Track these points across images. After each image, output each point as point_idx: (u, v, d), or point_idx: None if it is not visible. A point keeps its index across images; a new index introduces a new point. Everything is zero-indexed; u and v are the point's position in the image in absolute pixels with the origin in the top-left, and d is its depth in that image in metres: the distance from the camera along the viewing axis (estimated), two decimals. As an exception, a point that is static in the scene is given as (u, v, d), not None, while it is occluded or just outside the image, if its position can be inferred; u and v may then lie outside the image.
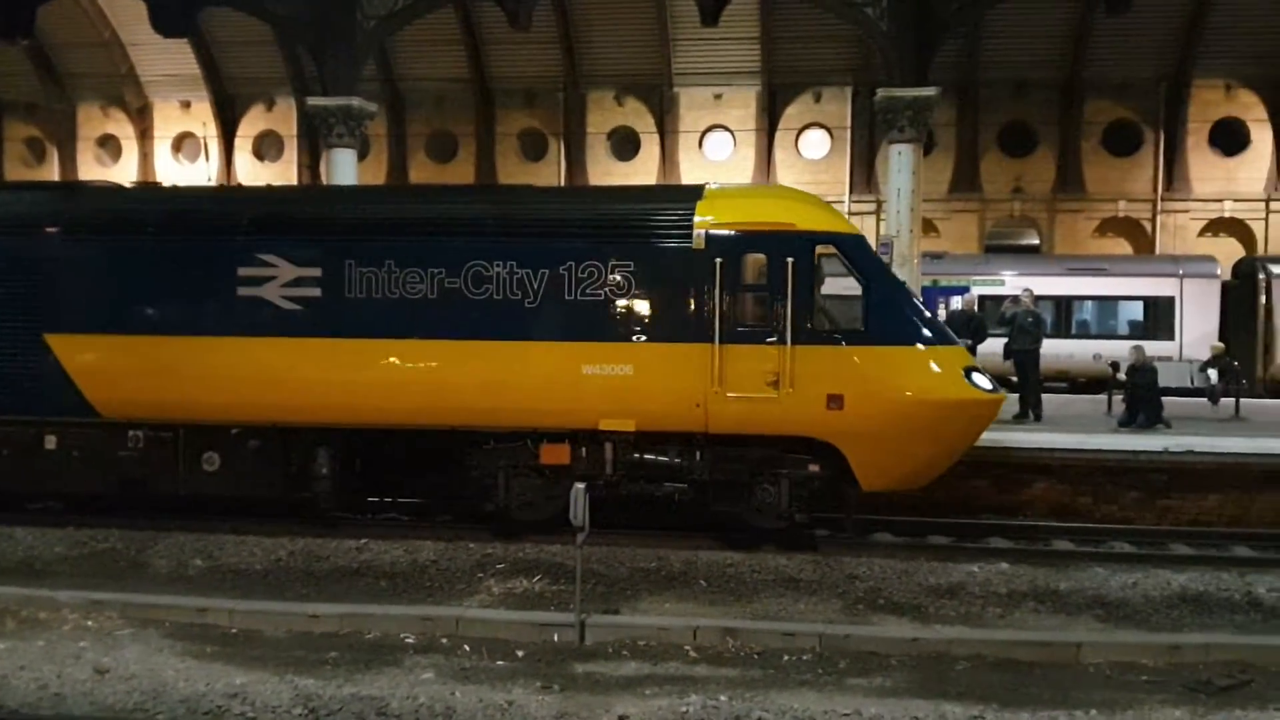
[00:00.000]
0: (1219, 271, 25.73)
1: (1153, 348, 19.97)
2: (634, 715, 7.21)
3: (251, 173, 35.44)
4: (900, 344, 11.40)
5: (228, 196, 15.07)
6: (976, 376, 11.41)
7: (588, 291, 11.51)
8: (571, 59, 32.85)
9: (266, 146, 35.62)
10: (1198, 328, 24.43)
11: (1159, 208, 31.37)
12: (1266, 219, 31.04)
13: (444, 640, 8.88)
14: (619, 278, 11.48)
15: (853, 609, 9.68)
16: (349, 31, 21.73)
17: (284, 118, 34.89)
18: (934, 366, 11.38)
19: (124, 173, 35.05)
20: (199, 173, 35.02)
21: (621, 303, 11.48)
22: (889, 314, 11.54)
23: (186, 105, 35.47)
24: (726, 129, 33.39)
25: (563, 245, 11.65)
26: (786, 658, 8.50)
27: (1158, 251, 30.13)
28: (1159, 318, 25.21)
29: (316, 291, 11.88)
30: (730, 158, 33.20)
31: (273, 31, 29.25)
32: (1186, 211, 31.37)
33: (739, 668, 8.28)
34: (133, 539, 11.66)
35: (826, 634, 8.85)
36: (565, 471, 11.62)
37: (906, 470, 11.59)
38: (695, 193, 12.10)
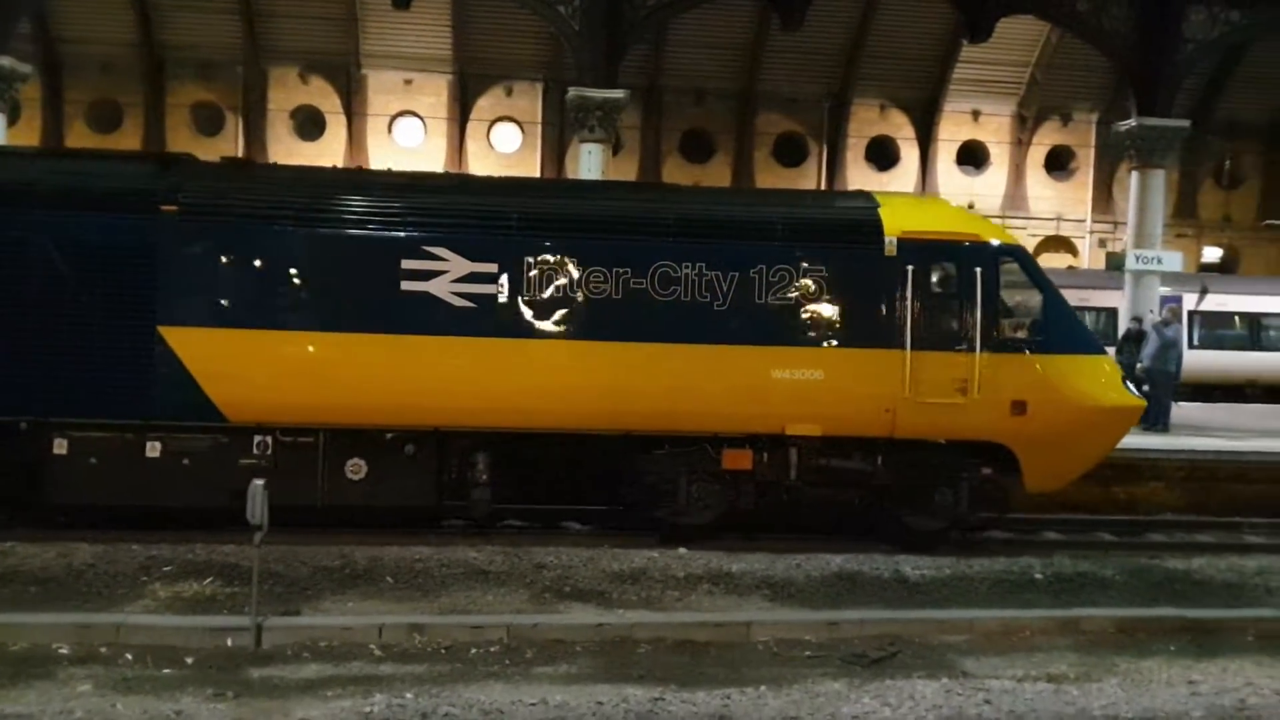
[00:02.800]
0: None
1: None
2: (315, 718, 6.96)
3: None
4: (1076, 353, 11.85)
5: (394, 183, 12.70)
6: (1129, 384, 12.21)
7: (778, 295, 11.33)
8: (252, 31, 31.27)
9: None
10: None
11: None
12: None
13: (104, 649, 8.18)
14: (810, 282, 11.36)
15: (540, 598, 9.79)
16: (-3, -18, 19.61)
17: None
18: (1104, 374, 11.92)
19: None
20: None
21: (812, 307, 11.37)
22: (1064, 323, 12.00)
23: None
24: (417, 116, 32.88)
25: (754, 248, 11.38)
26: (474, 651, 8.47)
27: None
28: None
29: (491, 289, 11.04)
30: (421, 145, 32.73)
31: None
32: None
33: (426, 664, 8.18)
34: None
35: (514, 624, 8.89)
36: (746, 476, 11.55)
37: (1066, 473, 12.09)
38: (869, 199, 12.20)
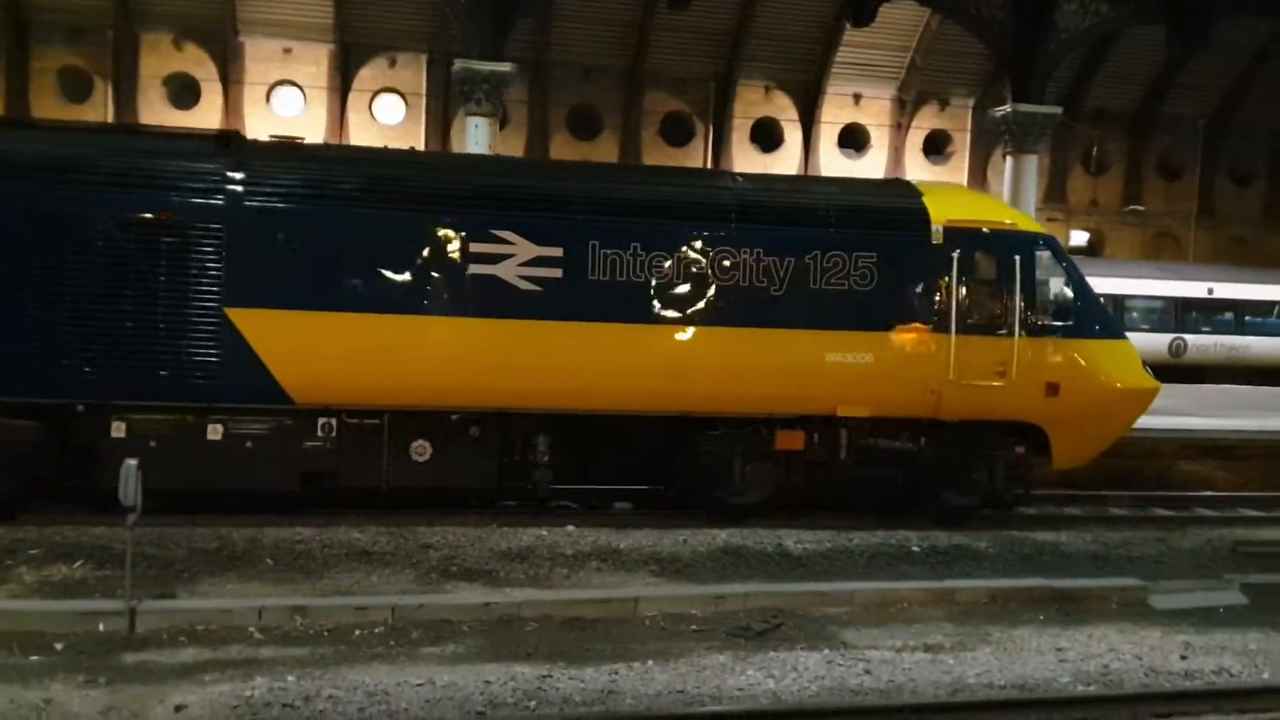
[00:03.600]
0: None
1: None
2: (193, 704, 6.78)
3: None
4: (1105, 338, 12.63)
5: (454, 165, 12.71)
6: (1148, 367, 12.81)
7: (832, 281, 11.70)
8: (122, -6, 29.97)
9: None
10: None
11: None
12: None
13: (-36, 638, 7.84)
14: (862, 268, 11.74)
15: (427, 578, 9.69)
16: None
17: None
18: (1127, 357, 12.62)
19: None
20: None
21: (864, 292, 11.75)
22: (1092, 308, 12.73)
23: None
24: (297, 85, 32.00)
25: (810, 234, 11.71)
26: (359, 633, 8.36)
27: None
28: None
29: (558, 272, 11.14)
30: (301, 115, 31.87)
31: None
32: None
33: (308, 646, 8.03)
34: None
35: (399, 605, 8.78)
36: (797, 456, 11.91)
37: (1090, 451, 12.82)
38: (912, 188, 12.81)
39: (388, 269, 10.97)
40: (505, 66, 20.32)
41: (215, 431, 10.76)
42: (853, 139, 35.64)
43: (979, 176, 35.61)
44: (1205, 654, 8.54)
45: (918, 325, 11.93)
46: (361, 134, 31.92)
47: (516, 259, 11.15)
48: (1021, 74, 23.23)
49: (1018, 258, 12.20)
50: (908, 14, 30.39)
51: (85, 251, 10.39)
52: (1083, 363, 12.36)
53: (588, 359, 11.31)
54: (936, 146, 36.38)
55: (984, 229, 12.26)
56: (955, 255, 11.99)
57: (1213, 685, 7.79)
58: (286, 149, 11.85)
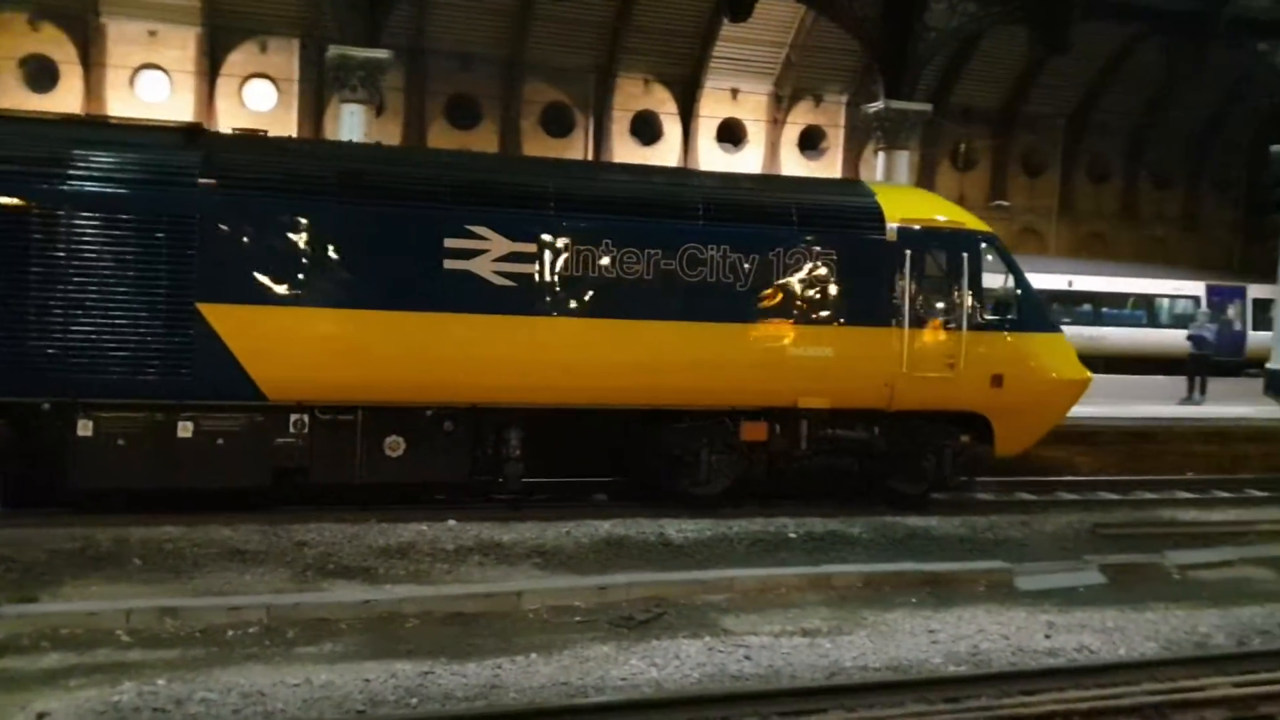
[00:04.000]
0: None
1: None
2: (57, 711, 6.50)
3: None
4: (1044, 331, 13.40)
5: (428, 160, 12.93)
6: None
7: (795, 276, 12.17)
8: (-29, -30, 28.42)
9: None
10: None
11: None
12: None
13: None
14: (822, 265, 12.28)
15: (302, 576, 9.48)
16: None
17: None
18: (1063, 350, 13.41)
19: None
20: None
21: (824, 288, 12.29)
22: (1033, 304, 13.46)
23: None
24: (162, 69, 30.84)
25: (774, 232, 12.17)
26: (232, 633, 8.12)
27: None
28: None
29: (531, 268, 11.31)
30: (167, 100, 30.72)
31: None
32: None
33: (179, 649, 7.78)
34: None
35: (274, 604, 8.56)
36: (760, 447, 12.39)
37: (1029, 438, 13.61)
38: (864, 187, 13.78)
39: (366, 265, 11.06)
40: (382, 53, 19.99)
41: (185, 429, 10.64)
42: (731, 133, 36.01)
43: (852, 172, 36.34)
44: (1067, 632, 8.91)
45: (873, 320, 12.53)
46: (230, 120, 30.82)
47: (491, 254, 11.27)
48: (893, 71, 23.84)
49: (965, 255, 12.87)
50: (784, 10, 30.85)
51: (49, 247, 10.21)
52: (1025, 355, 13.10)
53: (560, 353, 11.57)
54: (812, 142, 37.02)
55: (934, 227, 12.94)
56: (908, 253, 12.58)
57: (1075, 662, 8.13)
58: (256, 143, 11.79)
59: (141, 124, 12.12)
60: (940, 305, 12.79)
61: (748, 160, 35.37)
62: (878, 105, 24.12)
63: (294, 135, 30.22)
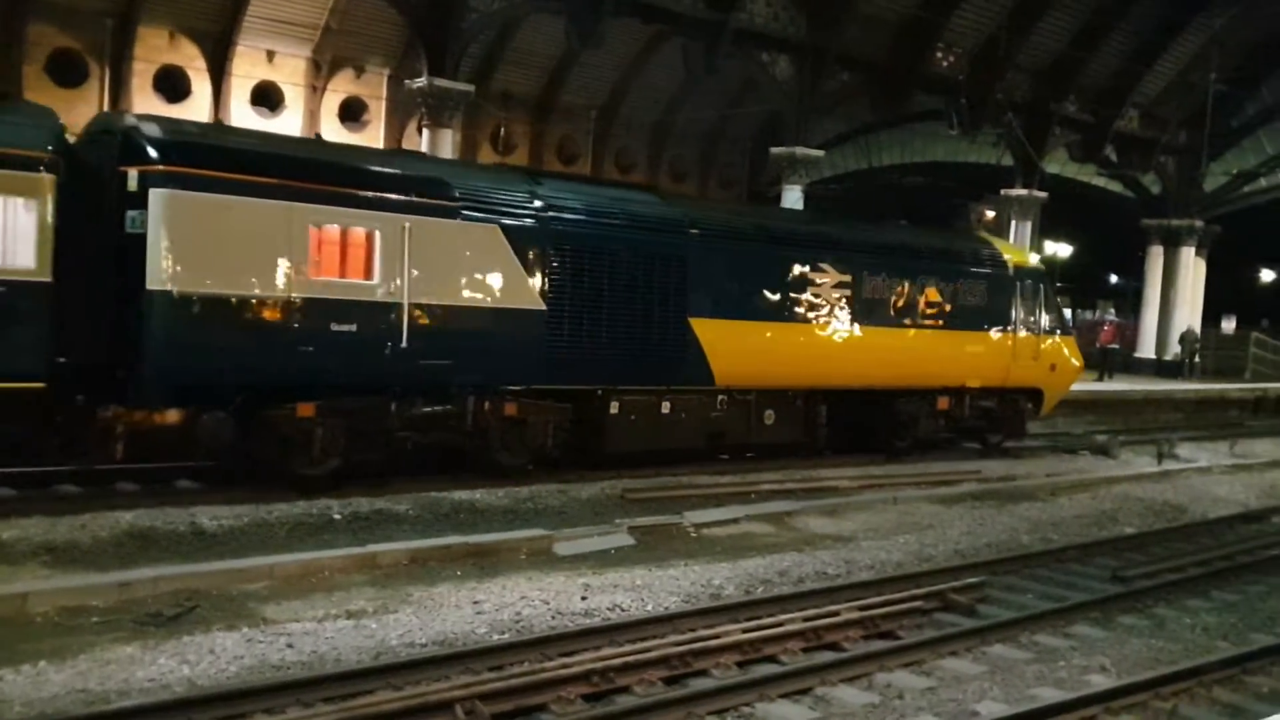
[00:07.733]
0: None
1: None
2: None
3: None
4: (1069, 334, 21.10)
5: (800, 218, 21.67)
6: None
7: (968, 299, 18.80)
8: None
9: None
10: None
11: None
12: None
13: None
14: (980, 292, 19.04)
15: None
16: None
17: None
18: (1075, 347, 21.06)
19: None
20: None
21: (979, 307, 18.98)
22: (1064, 316, 21.28)
23: None
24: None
25: (960, 269, 18.93)
26: None
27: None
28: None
29: (847, 294, 17.10)
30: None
31: None
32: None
33: None
34: None
35: None
36: (943, 414, 18.91)
37: (1055, 404, 21.29)
38: (991, 240, 21.19)
39: (770, 288, 16.18)
40: None
41: (665, 406, 15.16)
42: (266, 97, 34.23)
43: (396, 146, 36.07)
44: (602, 593, 9.49)
45: (999, 328, 19.28)
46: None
47: (828, 283, 16.86)
48: (436, 49, 23.88)
49: (1041, 285, 20.27)
50: (319, -27, 29.84)
51: (601, 279, 14.41)
52: (1064, 351, 20.47)
53: (861, 351, 17.18)
54: (353, 113, 36.12)
55: (1027, 266, 20.32)
56: (1018, 284, 19.62)
57: (609, 620, 8.67)
58: (712, 205, 20.18)
59: (619, 182, 17.93)
60: (1030, 318, 19.71)
61: (286, 125, 33.83)
62: (421, 82, 24.05)
63: None
